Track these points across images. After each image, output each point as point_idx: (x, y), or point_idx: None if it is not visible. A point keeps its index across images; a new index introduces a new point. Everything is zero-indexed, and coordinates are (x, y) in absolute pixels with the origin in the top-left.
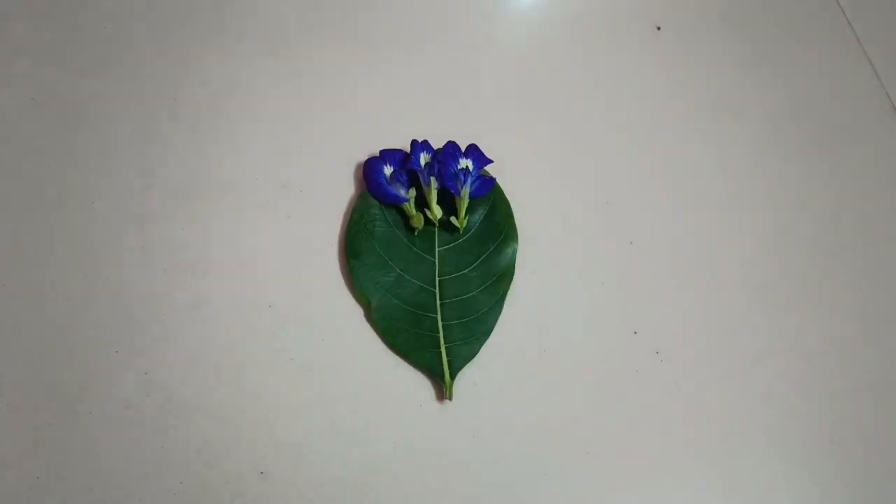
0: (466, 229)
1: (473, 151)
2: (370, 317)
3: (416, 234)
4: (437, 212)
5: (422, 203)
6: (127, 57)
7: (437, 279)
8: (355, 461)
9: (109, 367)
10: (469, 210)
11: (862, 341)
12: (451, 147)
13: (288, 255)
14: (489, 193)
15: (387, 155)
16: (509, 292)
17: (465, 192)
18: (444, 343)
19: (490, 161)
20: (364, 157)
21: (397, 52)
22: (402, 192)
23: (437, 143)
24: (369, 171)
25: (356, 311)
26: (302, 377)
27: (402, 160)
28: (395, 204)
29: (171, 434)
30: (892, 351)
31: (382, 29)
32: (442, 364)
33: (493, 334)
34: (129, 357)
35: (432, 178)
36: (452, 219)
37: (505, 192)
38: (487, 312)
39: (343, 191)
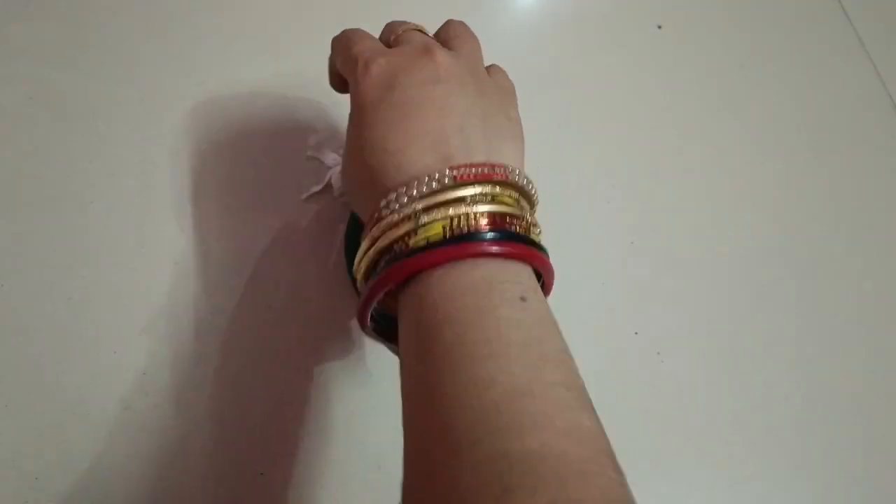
0: None
1: None
2: None
3: None
4: None
5: None
6: (127, 57)
7: None
8: (355, 462)
9: (109, 367)
10: None
11: (862, 341)
12: None
13: (288, 255)
14: None
15: None
16: None
17: None
18: None
19: None
20: None
21: None
22: None
23: None
24: None
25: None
26: (302, 377)
27: None
28: None
29: (171, 434)
30: (893, 351)
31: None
32: None
33: None
34: (129, 357)
35: None
36: None
37: None
38: None
39: (343, 190)
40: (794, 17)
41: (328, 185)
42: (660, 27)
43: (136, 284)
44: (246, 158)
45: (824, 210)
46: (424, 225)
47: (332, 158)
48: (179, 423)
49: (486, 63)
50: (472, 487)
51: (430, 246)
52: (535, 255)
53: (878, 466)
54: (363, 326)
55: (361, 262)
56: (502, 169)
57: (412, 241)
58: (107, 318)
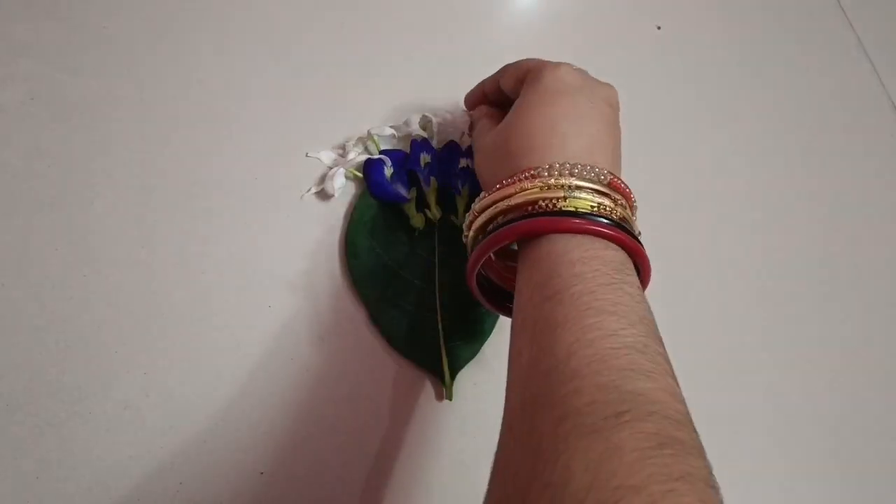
0: None
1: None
2: (370, 317)
3: (416, 233)
4: (437, 212)
5: (422, 203)
6: (127, 57)
7: (437, 279)
8: (355, 461)
9: (109, 367)
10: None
11: (862, 341)
12: (452, 146)
13: (288, 255)
14: None
15: (387, 155)
16: None
17: (466, 191)
18: (444, 343)
19: None
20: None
21: (397, 52)
22: (403, 192)
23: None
24: (369, 171)
25: (356, 312)
26: (302, 377)
27: (402, 160)
28: (396, 203)
29: (171, 434)
30: (893, 351)
31: (382, 28)
32: (442, 364)
33: (493, 334)
34: (129, 357)
35: (432, 178)
36: (453, 218)
37: None
38: (487, 312)
39: (343, 190)
40: (794, 17)
41: (328, 185)
42: (659, 27)
43: (136, 284)
44: (246, 158)
45: (823, 210)
46: (576, 197)
47: (332, 158)
48: (179, 423)
49: None
50: (589, 405)
51: (579, 214)
52: (648, 263)
53: (878, 466)
54: (472, 273)
55: (485, 212)
56: (634, 196)
57: (561, 204)
58: (107, 318)
